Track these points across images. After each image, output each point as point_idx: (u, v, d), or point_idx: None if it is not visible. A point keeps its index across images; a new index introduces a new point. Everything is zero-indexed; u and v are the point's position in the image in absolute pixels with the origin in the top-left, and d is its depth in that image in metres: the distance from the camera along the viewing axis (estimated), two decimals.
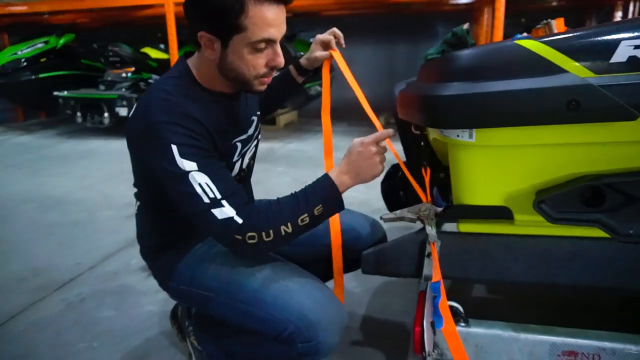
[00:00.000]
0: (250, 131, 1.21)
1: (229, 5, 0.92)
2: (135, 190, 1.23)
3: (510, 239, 1.07)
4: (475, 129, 0.87)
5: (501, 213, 0.98)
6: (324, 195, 0.99)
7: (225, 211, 0.94)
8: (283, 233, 0.96)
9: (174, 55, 4.98)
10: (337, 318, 1.04)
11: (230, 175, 1.08)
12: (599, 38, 0.78)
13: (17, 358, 1.45)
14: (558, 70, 0.79)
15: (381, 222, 1.18)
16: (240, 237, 0.95)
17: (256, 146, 1.28)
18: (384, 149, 1.04)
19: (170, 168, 0.95)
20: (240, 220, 0.95)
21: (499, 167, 0.92)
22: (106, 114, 4.95)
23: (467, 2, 5.83)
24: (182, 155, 0.95)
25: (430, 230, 1.04)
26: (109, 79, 5.09)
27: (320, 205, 0.98)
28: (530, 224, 0.98)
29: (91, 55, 5.83)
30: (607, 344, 0.89)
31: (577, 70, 0.78)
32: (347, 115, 6.25)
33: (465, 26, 1.19)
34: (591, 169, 0.86)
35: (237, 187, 1.01)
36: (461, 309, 1.01)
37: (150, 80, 5.22)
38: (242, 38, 0.95)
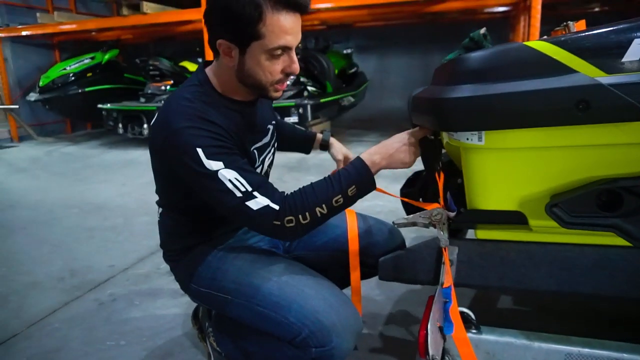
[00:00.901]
0: (267, 139, 1.24)
1: (248, 13, 0.96)
2: (157, 198, 1.28)
3: (531, 247, 1.05)
4: (484, 132, 0.86)
5: (515, 218, 0.96)
6: (357, 175, 1.03)
7: (260, 201, 0.98)
8: (319, 215, 1.00)
9: None
10: (352, 323, 1.04)
11: (255, 170, 1.11)
12: (610, 37, 0.76)
13: (51, 352, 1.52)
14: (567, 70, 0.77)
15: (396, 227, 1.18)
16: (279, 223, 0.99)
17: (273, 154, 1.31)
18: (418, 146, 1.09)
19: (200, 169, 0.99)
20: (276, 207, 0.99)
21: (510, 171, 0.91)
22: (145, 125, 5.15)
23: (503, 10, 5.74)
24: (208, 157, 0.99)
25: (442, 235, 1.03)
26: (149, 91, 5.32)
27: (354, 186, 1.02)
28: (545, 229, 0.96)
29: (134, 69, 6.12)
30: (626, 356, 0.85)
31: (587, 70, 0.76)
32: (380, 124, 6.28)
33: (482, 31, 1.19)
34: (607, 172, 0.84)
35: (264, 179, 1.05)
36: (472, 315, 0.99)
37: None
38: (260, 45, 0.99)
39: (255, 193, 0.99)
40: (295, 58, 1.05)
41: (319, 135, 1.51)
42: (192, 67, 5.74)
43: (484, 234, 1.07)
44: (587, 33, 0.78)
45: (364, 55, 7.16)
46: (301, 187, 1.04)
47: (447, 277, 0.99)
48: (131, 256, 2.31)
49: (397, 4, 5.03)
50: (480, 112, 0.83)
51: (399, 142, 1.08)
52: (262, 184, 1.01)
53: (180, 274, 1.27)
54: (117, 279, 2.07)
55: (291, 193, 1.03)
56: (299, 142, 1.53)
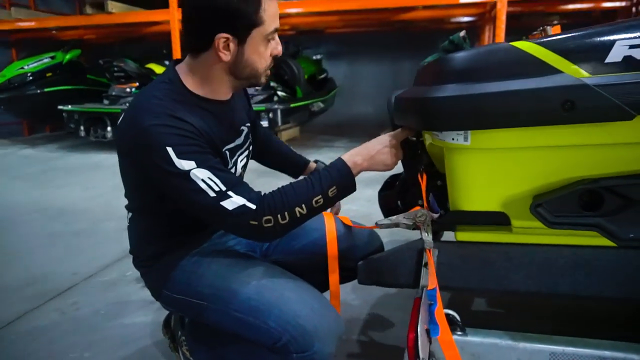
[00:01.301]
0: (240, 140, 1.21)
1: (250, 2, 0.97)
2: (126, 202, 1.22)
3: (511, 248, 1.06)
4: (470, 132, 0.86)
5: (498, 219, 0.97)
6: (338, 175, 1.01)
7: (235, 200, 0.95)
8: (298, 215, 0.98)
9: None
10: (334, 327, 1.02)
11: (228, 169, 1.09)
12: (593, 39, 0.77)
13: None
14: (552, 70, 0.78)
15: (378, 231, 1.17)
16: (256, 223, 0.96)
17: (248, 157, 1.28)
18: (400, 148, 1.09)
19: (170, 169, 0.95)
20: (253, 206, 0.95)
21: (494, 171, 0.91)
22: (109, 128, 4.99)
23: (468, 20, 5.91)
24: (179, 156, 0.95)
25: (427, 237, 1.02)
26: (114, 93, 5.15)
27: (335, 187, 1.00)
28: (527, 230, 0.96)
29: (97, 70, 5.92)
30: (608, 353, 0.86)
31: (571, 71, 0.77)
32: (350, 130, 6.31)
33: (462, 33, 1.20)
34: (589, 172, 0.85)
35: (239, 178, 1.02)
36: (458, 317, 0.98)
37: None
38: (260, 31, 1.00)
39: (230, 192, 0.95)
40: (278, 40, 1.07)
41: (312, 165, 1.47)
42: (159, 69, 5.60)
43: (464, 235, 1.07)
44: (570, 35, 0.79)
45: (334, 62, 7.20)
46: (280, 186, 1.02)
47: (432, 279, 0.98)
48: (96, 263, 2.20)
49: (368, 11, 5.08)
50: (467, 111, 0.83)
51: (380, 144, 1.08)
52: (237, 183, 0.98)
53: (152, 281, 1.21)
54: (80, 287, 1.97)
55: (269, 193, 1.00)
56: (290, 164, 1.49)
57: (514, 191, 0.92)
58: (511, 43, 0.81)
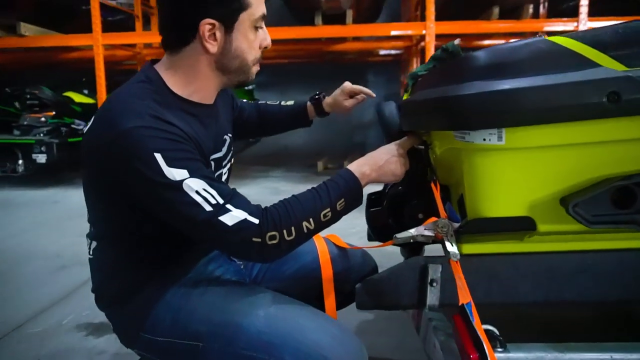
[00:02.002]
0: (224, 150, 1.08)
1: None
2: (89, 231, 1.04)
3: (516, 258, 1.03)
4: (505, 130, 0.82)
5: (525, 224, 0.93)
6: (346, 187, 0.93)
7: (236, 214, 0.83)
8: (305, 230, 0.88)
9: (102, 99, 4.69)
10: (359, 355, 0.90)
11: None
12: (629, 33, 0.77)
13: None
14: (591, 64, 0.77)
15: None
16: (259, 240, 0.84)
17: (230, 169, 1.15)
18: (407, 157, 1.04)
19: (158, 179, 0.81)
20: (255, 220, 0.84)
21: (526, 172, 0.87)
22: (21, 161, 4.46)
23: (395, 53, 6.21)
24: (169, 164, 0.81)
25: (452, 248, 0.95)
26: (26, 123, 4.63)
27: (343, 200, 0.92)
28: (554, 234, 0.93)
29: (4, 98, 5.32)
30: None
31: (610, 64, 0.77)
32: (283, 160, 6.23)
33: (457, 42, 1.18)
34: (619, 169, 0.84)
35: (235, 190, 0.90)
36: (497, 332, 0.91)
37: (73, 125, 4.84)
38: (248, 16, 0.92)
39: (229, 206, 0.83)
40: (266, 30, 0.99)
41: (309, 105, 1.41)
42: (78, 97, 5.19)
43: (468, 247, 1.02)
44: (604, 29, 0.79)
45: (266, 92, 7.16)
46: (283, 199, 0.91)
47: (465, 293, 0.90)
48: (25, 311, 1.86)
49: (300, 41, 5.14)
50: (504, 107, 0.79)
51: (387, 153, 1.02)
52: (235, 195, 0.87)
53: (125, 322, 1.01)
54: (7, 341, 1.64)
55: (272, 206, 0.89)
56: (292, 118, 1.43)
57: (543, 193, 0.89)
58: (547, 37, 0.79)
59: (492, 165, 0.88)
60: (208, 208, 0.82)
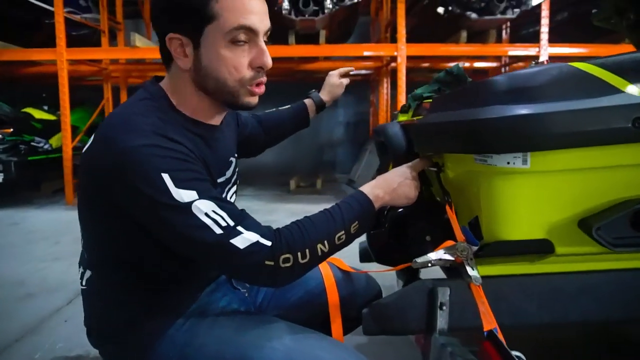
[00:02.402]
0: (229, 173, 1.04)
1: None
2: (81, 258, 0.96)
3: (522, 279, 1.03)
4: (530, 154, 0.82)
5: (543, 246, 0.93)
6: (360, 209, 0.91)
7: (248, 237, 0.78)
8: (319, 253, 0.84)
9: (66, 116, 4.50)
10: None
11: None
12: None
13: None
14: (614, 90, 0.78)
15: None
16: (272, 263, 0.80)
17: (235, 192, 1.10)
18: (419, 180, 1.03)
19: (165, 201, 0.75)
20: (268, 243, 0.80)
21: (547, 195, 0.87)
22: None
23: (364, 73, 6.31)
24: (177, 185, 0.76)
25: (473, 272, 0.93)
26: None
27: (357, 222, 0.89)
28: (569, 255, 0.94)
29: None
30: None
31: (631, 90, 0.78)
32: (253, 179, 6.15)
33: (462, 64, 1.20)
34: (637, 192, 0.85)
35: (244, 211, 0.85)
36: (524, 358, 0.89)
37: (33, 143, 4.60)
38: (215, 29, 0.81)
39: (240, 228, 0.79)
40: (264, 48, 0.85)
41: (309, 101, 1.41)
42: (38, 114, 4.95)
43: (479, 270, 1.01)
44: (623, 57, 0.81)
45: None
46: (296, 220, 0.87)
47: (490, 318, 0.88)
48: None
49: (275, 60, 5.12)
50: (533, 132, 0.79)
51: (401, 176, 1.00)
52: (246, 217, 0.82)
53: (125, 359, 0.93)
54: None
55: (285, 227, 0.85)
56: (295, 121, 1.42)
57: (561, 215, 0.90)
58: (569, 63, 0.80)
59: (514, 188, 0.88)
60: (218, 231, 0.77)
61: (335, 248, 0.87)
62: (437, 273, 1.17)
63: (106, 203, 0.83)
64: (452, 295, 1.04)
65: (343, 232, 0.87)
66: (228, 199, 1.03)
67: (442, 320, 1.05)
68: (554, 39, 4.52)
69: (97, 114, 5.26)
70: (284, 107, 1.42)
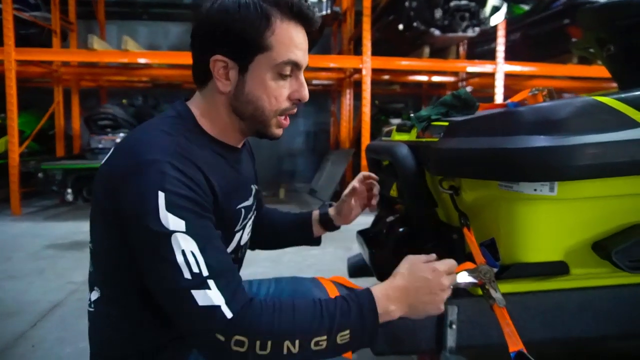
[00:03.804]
0: (251, 200, 1.00)
1: (253, 19, 0.78)
2: (90, 276, 0.88)
3: (526, 297, 1.07)
4: (557, 182, 0.86)
5: (560, 268, 0.97)
6: (358, 320, 0.73)
7: (211, 295, 0.69)
8: (285, 352, 0.70)
9: (13, 120, 4.20)
10: None
11: (225, 249, 0.81)
12: None
13: None
14: (635, 124, 0.83)
15: None
16: (223, 339, 0.68)
17: (251, 229, 1.05)
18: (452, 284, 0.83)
19: (147, 222, 0.70)
20: (229, 314, 0.69)
21: (569, 220, 0.92)
22: None
23: (326, 84, 6.37)
24: (168, 207, 0.70)
25: (496, 294, 0.96)
26: None
27: (348, 332, 0.72)
28: (584, 277, 0.99)
29: None
30: None
31: None
32: None
33: (469, 89, 1.23)
34: None
35: (231, 266, 0.76)
36: None
37: None
38: (266, 59, 0.80)
39: (211, 282, 0.69)
40: (304, 82, 0.86)
41: (315, 212, 1.20)
42: None
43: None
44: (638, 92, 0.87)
45: None
46: (279, 298, 0.75)
47: (515, 339, 0.91)
48: None
49: None
50: (563, 163, 0.83)
51: (429, 290, 0.79)
52: (226, 273, 0.72)
53: None
54: None
55: (260, 302, 0.73)
56: (293, 231, 1.22)
57: (578, 239, 0.95)
58: (594, 97, 0.85)
59: (538, 214, 0.91)
60: (186, 275, 0.69)
61: (307, 353, 0.71)
62: None
63: (115, 214, 0.77)
64: (459, 313, 1.07)
65: (325, 338, 0.71)
66: (246, 228, 0.99)
67: (451, 339, 1.08)
68: (507, 57, 4.77)
69: (47, 118, 4.95)
70: (289, 212, 1.26)
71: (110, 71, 5.53)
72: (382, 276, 1.42)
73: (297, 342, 0.70)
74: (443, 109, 1.24)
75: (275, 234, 1.21)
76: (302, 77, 0.86)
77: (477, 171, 0.94)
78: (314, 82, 6.11)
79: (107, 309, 0.86)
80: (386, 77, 5.77)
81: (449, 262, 0.84)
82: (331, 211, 1.20)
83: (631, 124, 0.83)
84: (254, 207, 1.03)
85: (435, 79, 5.92)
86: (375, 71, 4.77)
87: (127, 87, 6.24)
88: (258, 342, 0.69)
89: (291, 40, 0.81)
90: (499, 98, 4.64)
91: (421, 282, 0.79)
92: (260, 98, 0.83)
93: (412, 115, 1.34)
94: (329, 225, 1.20)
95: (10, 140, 4.24)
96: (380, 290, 0.78)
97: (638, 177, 0.85)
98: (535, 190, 0.88)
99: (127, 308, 0.85)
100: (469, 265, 1.01)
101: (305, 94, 0.86)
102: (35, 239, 3.29)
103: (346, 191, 1.19)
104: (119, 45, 4.50)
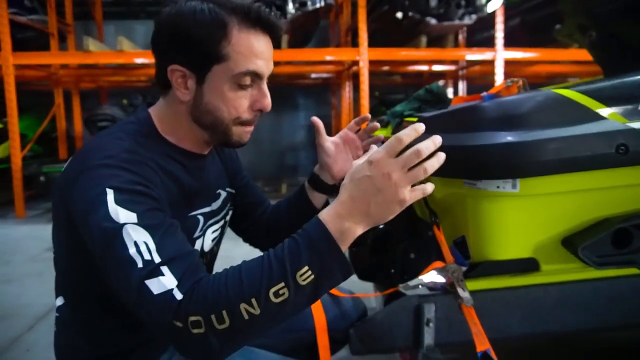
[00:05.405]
0: (215, 205, 0.99)
1: (209, 29, 0.77)
2: (55, 284, 0.89)
3: (504, 293, 1.06)
4: (519, 179, 0.84)
5: (530, 265, 0.96)
6: (311, 250, 0.65)
7: (164, 282, 0.64)
8: (246, 316, 0.63)
9: (14, 124, 4.24)
10: None
11: (185, 239, 0.75)
12: (625, 88, 0.83)
13: None
14: (597, 117, 0.81)
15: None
16: (180, 324, 0.63)
17: (223, 228, 1.04)
18: (416, 158, 0.66)
19: (97, 220, 0.68)
20: (179, 296, 0.64)
21: (534, 217, 0.90)
22: None
23: (325, 77, 6.33)
24: (118, 202, 0.69)
25: (464, 293, 0.95)
26: None
27: (307, 269, 0.64)
28: (555, 273, 0.97)
29: None
30: None
31: (613, 117, 0.82)
32: None
33: (441, 83, 1.21)
34: (617, 210, 0.90)
35: (187, 252, 0.71)
36: None
37: None
38: (223, 70, 0.79)
39: (164, 268, 0.65)
40: (267, 91, 0.84)
41: (306, 184, 1.09)
42: None
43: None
44: (604, 83, 0.84)
45: None
46: (228, 267, 0.69)
47: (482, 339, 0.90)
48: None
49: None
50: (525, 159, 0.81)
51: (376, 188, 0.66)
52: (179, 257, 0.68)
53: None
54: None
55: (207, 278, 0.67)
56: (294, 211, 1.10)
57: (546, 235, 0.93)
58: (555, 90, 0.83)
59: (503, 211, 0.90)
60: (139, 265, 0.65)
61: (273, 307, 0.63)
62: None
63: (67, 220, 0.77)
64: (437, 311, 1.06)
65: (283, 285, 0.63)
66: (208, 233, 0.97)
67: (428, 337, 1.07)
68: (507, 44, 4.69)
69: (49, 120, 5.00)
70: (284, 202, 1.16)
71: (109, 72, 5.55)
72: (362, 274, 1.41)
73: (253, 300, 0.63)
74: (417, 103, 1.23)
75: (290, 225, 1.02)
76: (264, 86, 0.84)
77: (441, 169, 0.92)
78: (313, 75, 6.07)
79: (70, 315, 0.87)
80: (386, 68, 5.72)
81: (400, 135, 0.67)
82: (315, 169, 1.09)
83: (592, 116, 0.81)
84: (222, 212, 1.02)
85: (436, 68, 5.84)
86: (373, 62, 4.72)
87: (127, 87, 6.26)
88: (213, 317, 0.62)
89: (250, 49, 0.79)
90: None
91: (365, 184, 0.66)
92: (219, 109, 0.82)
93: (388, 111, 1.33)
94: (320, 184, 1.06)
95: (11, 145, 4.29)
96: (327, 212, 0.68)
97: (602, 171, 0.82)
98: (497, 187, 0.86)
99: (89, 314, 0.86)
100: (439, 264, 1.01)
101: (267, 103, 0.83)
102: (36, 242, 3.33)
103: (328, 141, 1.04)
104: (116, 45, 4.51)
